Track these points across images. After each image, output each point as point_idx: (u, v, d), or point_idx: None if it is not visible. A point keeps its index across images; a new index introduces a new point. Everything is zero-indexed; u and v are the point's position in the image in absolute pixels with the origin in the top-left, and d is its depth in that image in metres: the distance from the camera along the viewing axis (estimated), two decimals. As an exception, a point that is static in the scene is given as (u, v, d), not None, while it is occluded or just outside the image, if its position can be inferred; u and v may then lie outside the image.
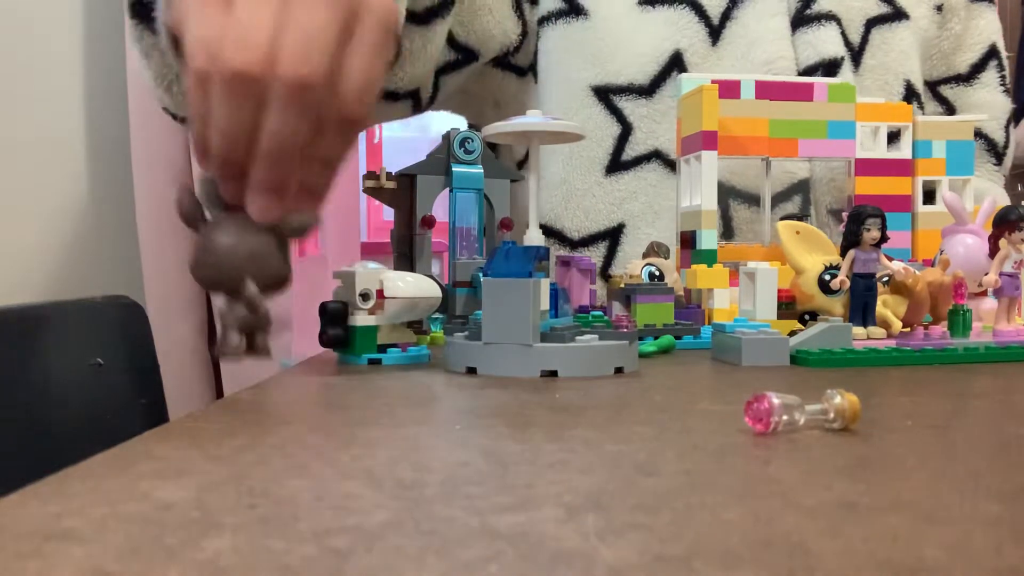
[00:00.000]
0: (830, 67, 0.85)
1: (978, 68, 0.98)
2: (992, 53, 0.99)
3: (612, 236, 0.85)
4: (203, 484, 0.23)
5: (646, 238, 0.84)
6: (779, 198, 0.83)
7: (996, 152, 0.99)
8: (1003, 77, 1.00)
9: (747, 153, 0.73)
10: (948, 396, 0.42)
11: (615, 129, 0.85)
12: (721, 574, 0.17)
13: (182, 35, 0.41)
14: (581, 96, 0.84)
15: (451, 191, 0.67)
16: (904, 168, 0.76)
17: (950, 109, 0.98)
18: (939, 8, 0.95)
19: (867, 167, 0.76)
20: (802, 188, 0.85)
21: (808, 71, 0.85)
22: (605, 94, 0.85)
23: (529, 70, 0.90)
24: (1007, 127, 1.00)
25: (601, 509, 0.21)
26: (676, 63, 0.84)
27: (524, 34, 0.88)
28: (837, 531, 0.19)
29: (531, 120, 0.54)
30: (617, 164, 0.85)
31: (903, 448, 0.29)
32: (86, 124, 1.20)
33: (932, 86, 0.98)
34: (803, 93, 0.74)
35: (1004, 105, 1.00)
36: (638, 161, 0.85)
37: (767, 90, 0.73)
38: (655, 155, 0.84)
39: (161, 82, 0.65)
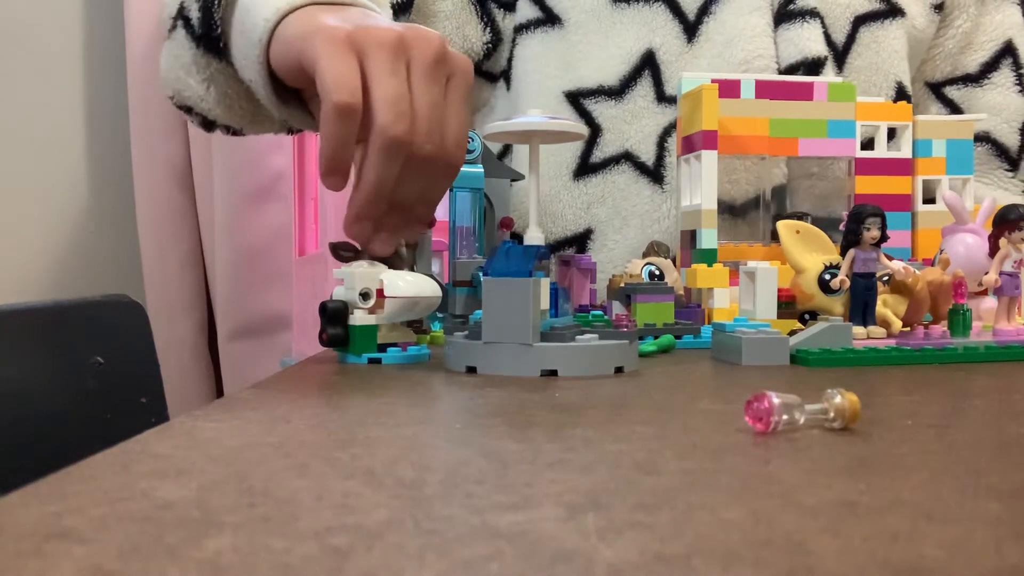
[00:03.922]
0: (812, 66, 0.82)
1: (989, 67, 0.92)
2: (1007, 51, 0.92)
3: (579, 242, 0.85)
4: (203, 483, 0.23)
5: (613, 244, 0.83)
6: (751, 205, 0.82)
7: (1009, 157, 0.92)
8: (1020, 76, 0.93)
9: (747, 152, 0.73)
10: (948, 396, 0.42)
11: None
12: (721, 573, 0.17)
13: (313, 70, 0.48)
14: (554, 103, 0.84)
15: (451, 191, 0.67)
16: (904, 168, 0.76)
17: (956, 112, 0.93)
18: (938, 7, 0.90)
19: (867, 166, 0.76)
20: (773, 195, 0.82)
21: (789, 70, 0.83)
22: (576, 98, 0.84)
23: (501, 76, 0.90)
24: (1023, 130, 0.92)
25: (601, 508, 0.21)
26: (648, 63, 0.83)
27: (495, 41, 0.88)
28: (837, 530, 0.19)
29: (531, 120, 0.54)
30: (585, 168, 0.84)
31: (903, 448, 0.29)
32: (86, 124, 1.20)
33: (936, 87, 0.94)
34: (803, 92, 0.74)
35: (1020, 106, 0.92)
36: (606, 163, 0.84)
37: (767, 89, 0.73)
38: (625, 157, 0.83)
39: (223, 100, 0.67)
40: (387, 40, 0.48)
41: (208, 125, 0.72)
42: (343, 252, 0.53)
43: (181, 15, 0.66)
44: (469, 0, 0.87)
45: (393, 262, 0.54)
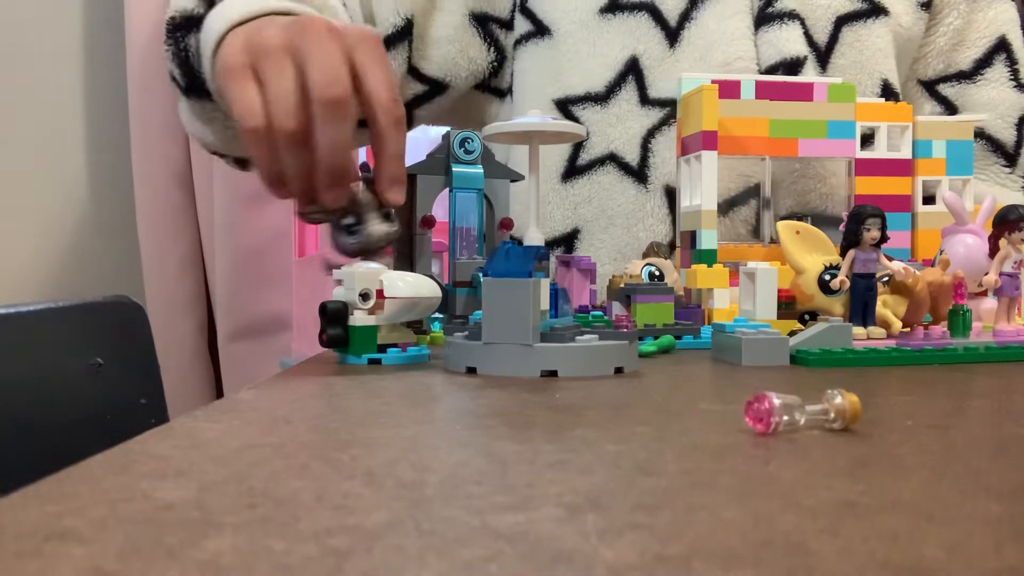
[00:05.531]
0: (791, 67, 0.83)
1: (983, 64, 0.93)
2: (1000, 47, 0.93)
3: (567, 241, 0.86)
4: (203, 484, 0.23)
5: (600, 243, 0.85)
6: (736, 200, 0.83)
7: (1005, 152, 0.93)
8: (1015, 71, 0.93)
9: (747, 153, 0.73)
10: (948, 396, 0.42)
11: None
12: (721, 574, 0.17)
13: (226, 102, 0.53)
14: (547, 111, 0.85)
15: (451, 191, 0.67)
16: (904, 168, 0.76)
17: (951, 109, 0.93)
18: (925, 5, 0.90)
19: (867, 167, 0.76)
20: (757, 192, 0.83)
21: (769, 71, 0.84)
22: (565, 105, 0.86)
23: (508, 91, 0.92)
24: (1019, 125, 0.93)
25: (601, 509, 0.21)
26: (632, 68, 0.85)
27: (500, 59, 0.91)
28: (837, 531, 0.19)
29: (531, 120, 0.54)
30: (572, 170, 0.86)
31: (903, 448, 0.29)
32: (86, 125, 1.20)
33: (930, 85, 0.94)
34: (803, 93, 0.74)
35: (1015, 102, 0.93)
36: (592, 165, 0.86)
37: (767, 90, 0.73)
38: (609, 158, 0.85)
39: (224, 134, 0.73)
40: (273, 46, 0.52)
41: (241, 163, 0.80)
42: (312, 215, 0.53)
43: (171, 77, 0.72)
44: (470, 23, 0.88)
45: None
